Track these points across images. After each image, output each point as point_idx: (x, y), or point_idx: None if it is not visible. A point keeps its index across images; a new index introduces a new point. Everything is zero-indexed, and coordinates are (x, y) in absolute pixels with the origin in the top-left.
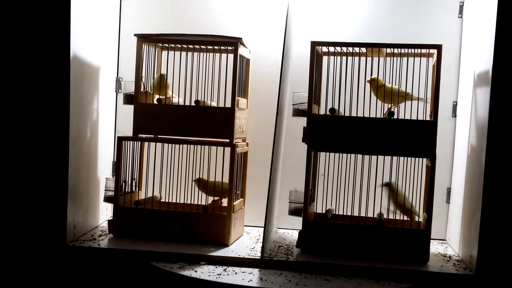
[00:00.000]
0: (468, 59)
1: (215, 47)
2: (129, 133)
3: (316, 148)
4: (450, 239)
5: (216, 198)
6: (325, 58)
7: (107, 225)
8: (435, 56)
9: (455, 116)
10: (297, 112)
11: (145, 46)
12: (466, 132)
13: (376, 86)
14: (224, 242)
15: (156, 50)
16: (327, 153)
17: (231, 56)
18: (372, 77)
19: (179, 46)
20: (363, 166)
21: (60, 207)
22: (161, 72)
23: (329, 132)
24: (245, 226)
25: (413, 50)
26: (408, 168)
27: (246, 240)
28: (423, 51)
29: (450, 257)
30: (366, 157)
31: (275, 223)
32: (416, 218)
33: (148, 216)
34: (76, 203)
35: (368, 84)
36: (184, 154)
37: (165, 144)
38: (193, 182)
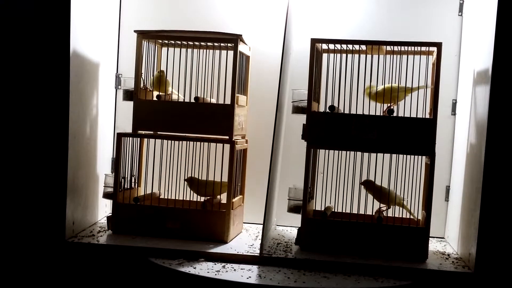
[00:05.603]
0: (468, 57)
1: (215, 44)
2: (129, 129)
3: (315, 146)
4: (449, 237)
5: (208, 197)
6: (325, 55)
7: (106, 221)
8: (435, 54)
9: (455, 114)
10: (297, 109)
11: (145, 42)
12: (465, 130)
13: (376, 93)
14: (223, 239)
15: (156, 47)
16: (327, 151)
17: (231, 53)
18: (365, 88)
19: (179, 42)
20: (363, 163)
21: (59, 203)
22: (161, 69)
23: (329, 130)
24: (244, 223)
25: (413, 47)
26: (407, 166)
27: (245, 237)
28: (423, 48)
29: (448, 255)
30: (366, 154)
31: (274, 220)
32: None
33: (147, 212)
34: (75, 199)
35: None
36: (183, 151)
37: (164, 140)
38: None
